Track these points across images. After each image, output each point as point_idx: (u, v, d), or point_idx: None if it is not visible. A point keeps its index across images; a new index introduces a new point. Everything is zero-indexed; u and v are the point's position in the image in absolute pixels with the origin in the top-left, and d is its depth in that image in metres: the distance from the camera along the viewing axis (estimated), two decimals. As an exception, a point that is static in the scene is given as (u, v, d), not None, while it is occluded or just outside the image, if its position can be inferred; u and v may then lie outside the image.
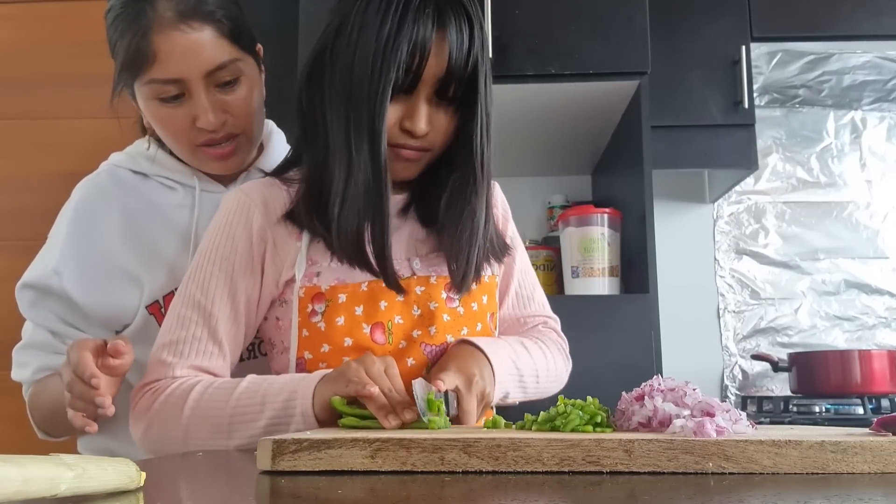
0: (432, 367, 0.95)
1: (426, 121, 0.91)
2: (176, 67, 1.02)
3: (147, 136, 1.19)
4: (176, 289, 1.09)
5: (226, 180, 1.19)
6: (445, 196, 0.97)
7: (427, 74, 0.89)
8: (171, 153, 1.16)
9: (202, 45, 1.03)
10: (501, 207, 1.12)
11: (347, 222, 0.91)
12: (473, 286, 0.99)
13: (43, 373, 1.14)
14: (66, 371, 0.89)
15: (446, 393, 0.83)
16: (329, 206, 0.92)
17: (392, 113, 0.90)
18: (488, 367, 0.93)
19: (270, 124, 1.26)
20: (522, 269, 1.13)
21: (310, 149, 0.98)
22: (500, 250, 1.03)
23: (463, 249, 0.95)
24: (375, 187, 0.90)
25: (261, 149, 1.23)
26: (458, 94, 0.92)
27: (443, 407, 0.77)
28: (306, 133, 0.98)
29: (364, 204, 0.91)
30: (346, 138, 0.90)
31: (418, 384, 0.78)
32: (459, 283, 0.96)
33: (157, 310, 1.11)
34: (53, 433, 1.17)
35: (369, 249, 0.92)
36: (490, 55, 1.61)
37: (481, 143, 0.94)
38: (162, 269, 1.12)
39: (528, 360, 1.03)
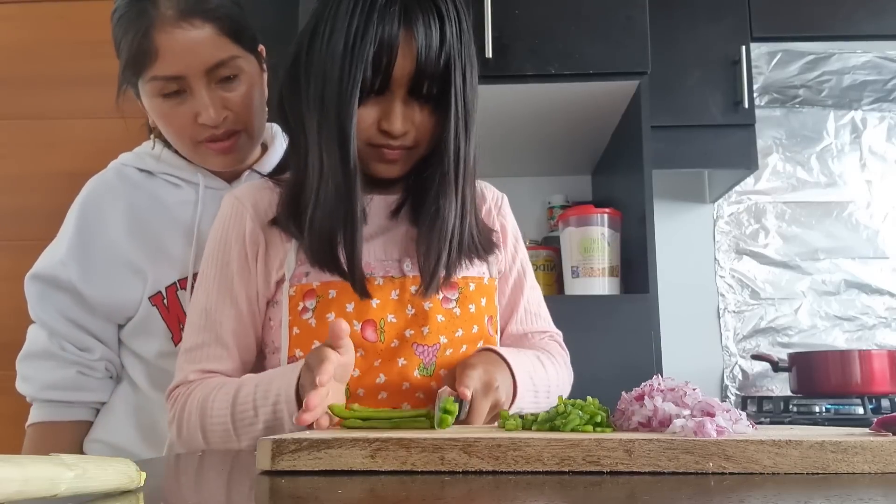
0: (457, 367, 0.94)
1: (402, 120, 0.91)
2: (177, 64, 1.04)
3: (153, 137, 1.21)
4: (179, 280, 1.13)
5: (228, 177, 1.20)
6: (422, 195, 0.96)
7: (397, 74, 0.88)
8: (177, 152, 1.18)
9: (202, 42, 1.05)
10: (512, 229, 1.12)
11: (319, 227, 0.92)
12: (439, 289, 0.96)
13: (46, 392, 1.15)
14: None
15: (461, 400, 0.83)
16: (306, 212, 0.93)
17: (369, 114, 0.90)
18: (510, 379, 0.93)
19: (275, 127, 1.27)
20: (532, 285, 1.14)
21: (293, 153, 0.99)
22: (483, 248, 1.01)
23: (432, 250, 0.93)
24: (346, 191, 0.90)
25: (265, 149, 1.24)
26: (434, 92, 0.91)
27: (455, 408, 0.76)
28: (290, 137, 1.00)
29: (335, 208, 0.90)
30: (318, 142, 0.91)
31: (443, 393, 0.75)
32: (427, 283, 0.94)
33: (160, 301, 1.13)
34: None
35: (342, 254, 0.92)
36: (486, 51, 1.61)
37: (455, 140, 0.92)
38: (166, 261, 1.14)
39: (543, 376, 1.03)
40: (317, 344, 0.93)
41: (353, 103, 0.87)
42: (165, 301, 1.13)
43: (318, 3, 0.95)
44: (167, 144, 1.19)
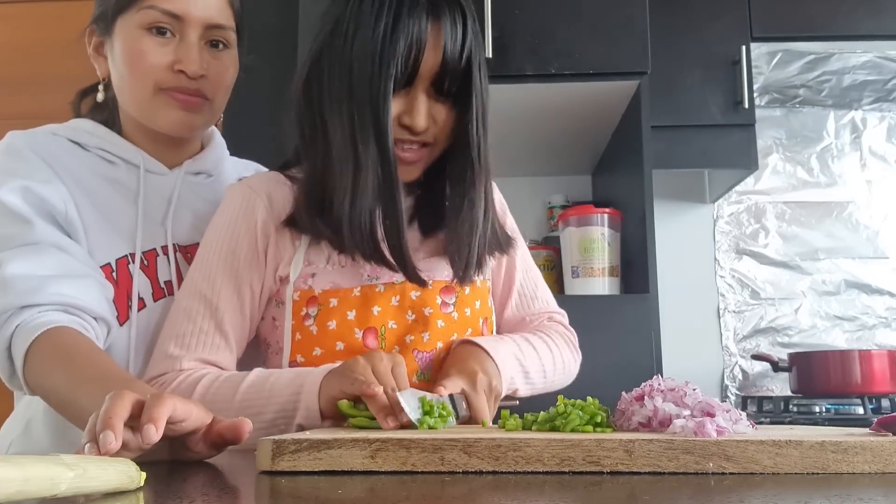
0: (435, 375, 0.95)
1: (425, 115, 0.92)
2: (183, 4, 1.02)
3: (85, 118, 1.13)
4: (128, 254, 1.03)
5: (169, 162, 1.12)
6: (446, 190, 0.98)
7: (424, 68, 0.90)
8: (114, 132, 1.10)
9: None
10: (499, 202, 1.13)
11: (360, 219, 0.91)
12: (477, 277, 0.99)
13: None
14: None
15: (452, 397, 0.82)
16: (335, 206, 0.92)
17: (392, 109, 0.91)
18: (490, 361, 0.94)
19: (214, 129, 1.22)
20: (525, 267, 1.14)
21: (310, 152, 0.98)
22: (504, 242, 1.04)
23: (464, 240, 0.96)
24: (386, 182, 0.91)
25: (201, 147, 1.18)
26: (454, 88, 0.93)
27: (448, 407, 0.76)
28: (305, 137, 0.99)
29: (375, 200, 0.92)
30: (350, 137, 0.91)
31: (404, 395, 0.75)
32: (462, 274, 0.96)
33: (109, 273, 1.01)
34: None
35: (384, 245, 0.93)
36: (486, 51, 1.62)
37: (477, 135, 0.95)
38: (113, 230, 1.04)
39: (534, 356, 1.03)
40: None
41: (388, 97, 0.89)
42: (115, 274, 1.01)
43: (333, 5, 0.95)
44: (105, 122, 1.11)
